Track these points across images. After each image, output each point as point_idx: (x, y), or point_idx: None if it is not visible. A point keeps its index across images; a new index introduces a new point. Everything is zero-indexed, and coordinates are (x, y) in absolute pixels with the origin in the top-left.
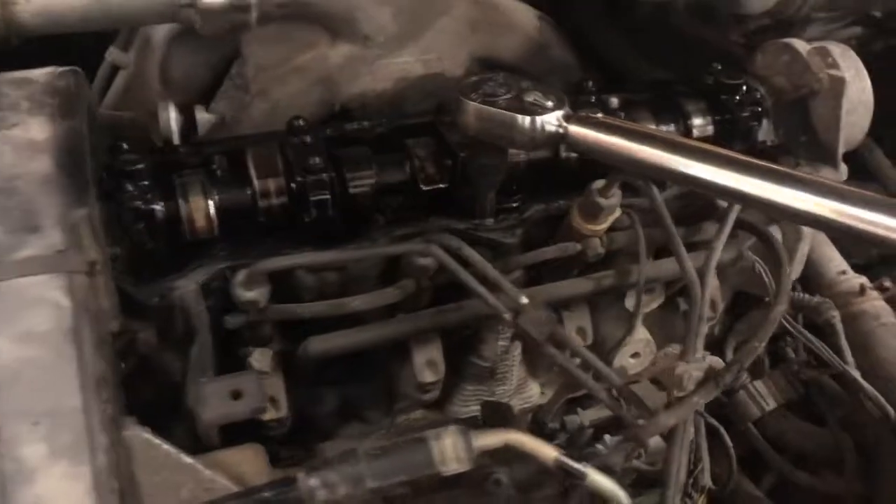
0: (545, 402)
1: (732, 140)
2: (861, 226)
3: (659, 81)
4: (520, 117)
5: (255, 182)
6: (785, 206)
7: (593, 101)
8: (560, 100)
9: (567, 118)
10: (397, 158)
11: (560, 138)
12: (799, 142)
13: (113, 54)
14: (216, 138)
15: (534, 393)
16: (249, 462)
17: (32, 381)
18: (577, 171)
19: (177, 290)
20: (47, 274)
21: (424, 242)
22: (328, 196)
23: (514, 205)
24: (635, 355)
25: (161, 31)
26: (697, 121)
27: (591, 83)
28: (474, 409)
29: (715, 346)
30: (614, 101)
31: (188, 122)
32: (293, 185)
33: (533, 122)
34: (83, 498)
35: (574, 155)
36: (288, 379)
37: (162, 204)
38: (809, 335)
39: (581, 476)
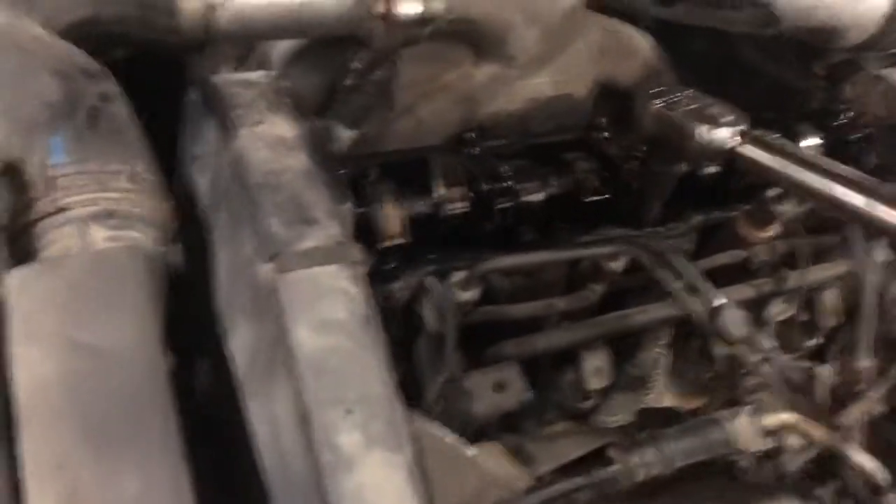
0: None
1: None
2: None
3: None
4: (697, 125)
5: (443, 191)
6: None
7: None
8: (739, 116)
9: (743, 134)
10: (557, 170)
11: (731, 153)
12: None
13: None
14: (360, 155)
15: (665, 403)
16: (502, 457)
17: (339, 370)
18: (714, 186)
19: (399, 291)
20: (334, 264)
21: (627, 245)
22: (512, 203)
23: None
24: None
25: (280, 49)
26: (808, 142)
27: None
28: (619, 419)
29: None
30: None
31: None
32: (475, 193)
33: (707, 134)
34: (403, 486)
35: (715, 170)
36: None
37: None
38: None
39: (846, 456)
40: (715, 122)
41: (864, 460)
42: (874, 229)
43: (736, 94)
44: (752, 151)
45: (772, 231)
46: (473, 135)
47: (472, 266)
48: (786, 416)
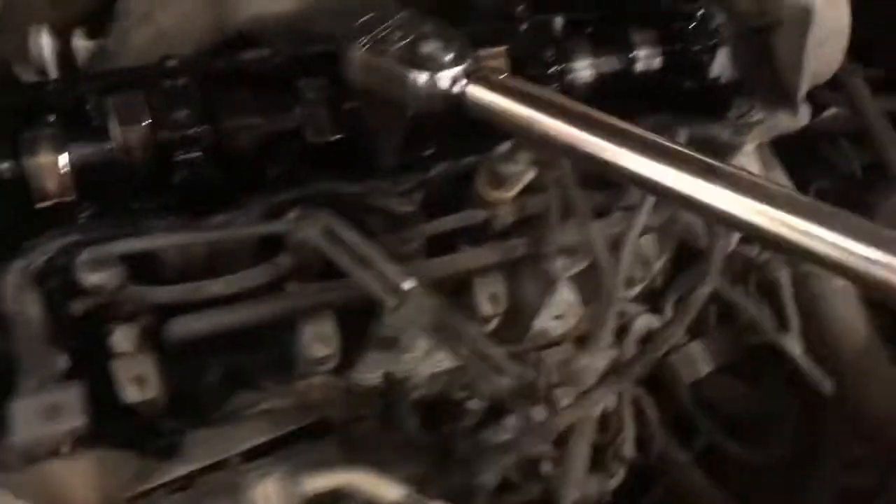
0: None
1: (681, 75)
2: (790, 234)
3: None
4: (412, 73)
5: (117, 134)
6: (704, 204)
7: (523, 29)
8: (462, 52)
9: (466, 76)
10: (283, 103)
11: (456, 100)
12: (758, 77)
13: None
14: (96, 71)
15: (443, 358)
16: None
17: None
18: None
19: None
20: None
21: (294, 221)
22: (198, 155)
23: (427, 153)
24: (558, 317)
25: None
26: (643, 52)
27: (521, 8)
28: (379, 375)
29: (655, 297)
30: (558, 23)
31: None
32: (159, 139)
33: (424, 79)
34: None
35: None
36: (163, 352)
37: (6, 164)
38: (745, 301)
39: None
40: (432, 65)
41: None
42: (624, 180)
43: None
44: (478, 95)
45: (511, 191)
46: (175, 63)
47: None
48: (344, 477)
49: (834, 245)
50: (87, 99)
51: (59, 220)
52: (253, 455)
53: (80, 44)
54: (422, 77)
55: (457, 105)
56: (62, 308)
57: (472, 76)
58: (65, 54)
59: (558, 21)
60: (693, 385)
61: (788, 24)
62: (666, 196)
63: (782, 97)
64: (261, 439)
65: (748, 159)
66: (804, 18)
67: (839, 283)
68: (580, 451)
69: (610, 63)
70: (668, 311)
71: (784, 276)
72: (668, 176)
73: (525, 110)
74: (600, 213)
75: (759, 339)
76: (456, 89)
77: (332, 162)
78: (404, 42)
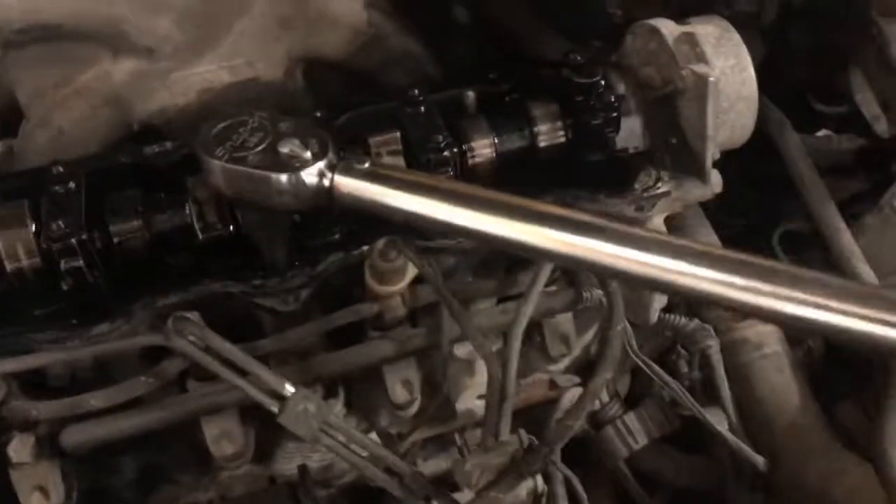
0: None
1: (587, 150)
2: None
3: (522, 68)
4: (274, 176)
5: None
6: (588, 260)
7: (419, 111)
8: (322, 146)
9: (331, 168)
10: (173, 200)
11: (327, 193)
12: (668, 146)
13: None
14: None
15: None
16: None
17: None
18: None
19: None
20: None
21: (168, 333)
22: (80, 263)
23: (318, 243)
24: (482, 397)
25: None
26: (544, 127)
27: (416, 91)
28: (292, 467)
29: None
30: (470, 97)
31: None
32: (42, 248)
33: (289, 180)
34: None
35: None
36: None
37: None
38: (666, 377)
39: None
40: (294, 164)
41: None
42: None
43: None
44: (347, 186)
45: (399, 284)
46: (60, 168)
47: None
48: None
49: (755, 291)
50: None
51: None
52: None
53: None
54: (285, 178)
55: (327, 199)
56: None
57: (336, 168)
58: None
59: (470, 96)
60: (632, 458)
61: (689, 93)
62: (544, 257)
63: (691, 166)
64: None
65: None
66: (703, 87)
67: (770, 349)
68: None
69: (512, 140)
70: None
71: (714, 346)
72: (541, 238)
73: (396, 194)
74: (500, 297)
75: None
76: (324, 183)
77: (226, 260)
78: (262, 145)
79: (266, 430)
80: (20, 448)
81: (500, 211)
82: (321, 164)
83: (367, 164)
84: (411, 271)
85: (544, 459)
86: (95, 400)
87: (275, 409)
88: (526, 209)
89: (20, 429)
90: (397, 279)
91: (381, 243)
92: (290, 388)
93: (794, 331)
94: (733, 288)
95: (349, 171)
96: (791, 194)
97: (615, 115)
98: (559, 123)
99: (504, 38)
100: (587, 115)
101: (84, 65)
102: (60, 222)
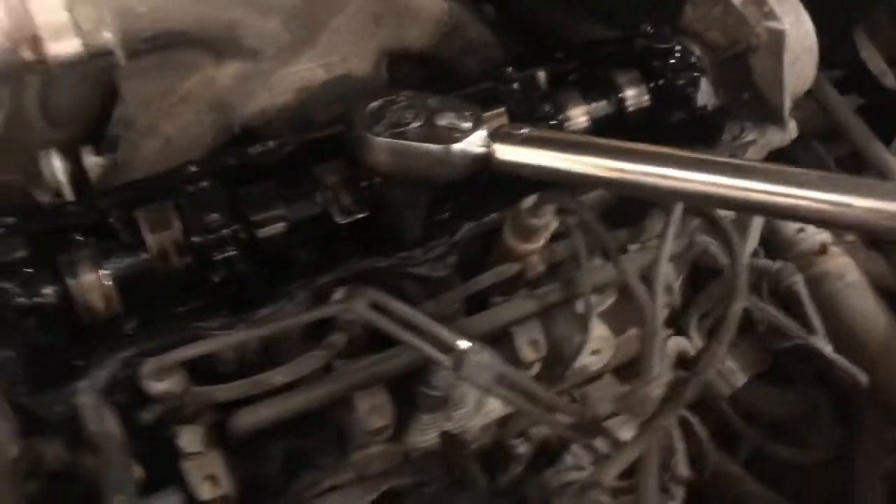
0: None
1: (671, 110)
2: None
3: (589, 46)
4: (438, 148)
5: (151, 244)
6: (730, 197)
7: (516, 87)
8: (476, 116)
9: (490, 137)
10: (307, 189)
11: (485, 161)
12: (742, 101)
13: None
14: (111, 187)
15: (494, 407)
16: None
17: None
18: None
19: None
20: None
21: (348, 300)
22: (234, 252)
23: (445, 216)
24: (595, 352)
25: None
26: (631, 92)
27: (510, 69)
28: (433, 437)
29: (675, 319)
30: (542, 76)
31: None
32: (194, 243)
33: (454, 151)
34: None
35: None
36: (228, 447)
37: (51, 289)
38: (771, 310)
39: None
40: (454, 135)
41: None
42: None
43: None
44: (506, 152)
45: (540, 241)
46: (195, 168)
47: (159, 357)
48: None
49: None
50: (111, 214)
51: (106, 334)
52: None
53: (91, 161)
54: (450, 149)
55: (485, 166)
56: (131, 419)
57: (495, 137)
58: (75, 173)
59: (541, 75)
60: (730, 398)
61: (763, 49)
62: (696, 200)
63: (769, 116)
64: None
65: None
66: (778, 41)
67: (851, 277)
68: (652, 480)
69: (602, 107)
70: (693, 331)
71: (800, 282)
72: (698, 181)
73: (553, 155)
74: (623, 249)
75: (783, 345)
76: (484, 151)
77: (358, 240)
78: (419, 120)
79: (400, 404)
80: (191, 438)
81: (653, 161)
82: (481, 133)
83: (524, 130)
84: (550, 228)
85: (697, 388)
86: (280, 375)
87: (448, 365)
88: (676, 157)
89: (188, 420)
90: (539, 236)
91: (530, 200)
92: (465, 343)
93: None
94: None
95: (508, 138)
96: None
97: (696, 74)
98: (643, 88)
99: (540, 29)
100: (670, 76)
101: (188, 72)
102: (214, 215)
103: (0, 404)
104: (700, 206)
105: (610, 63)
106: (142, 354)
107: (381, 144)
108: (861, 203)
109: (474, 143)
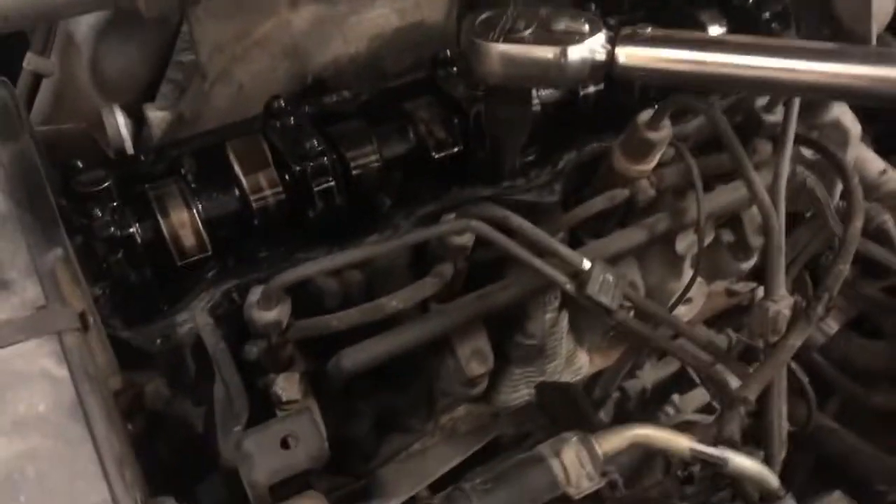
0: (601, 370)
1: None
2: None
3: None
4: (558, 51)
5: (244, 180)
6: (858, 86)
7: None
8: (594, 21)
9: (613, 39)
10: (398, 127)
11: (609, 66)
12: (822, 36)
13: (32, 62)
14: (179, 138)
15: (583, 363)
16: None
17: (41, 480)
18: (593, 109)
19: (182, 327)
20: (32, 339)
21: (462, 218)
22: (332, 182)
23: (530, 158)
24: (687, 301)
25: (84, 26)
26: (715, 30)
27: (593, 6)
28: (525, 394)
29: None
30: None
31: (139, 126)
32: (289, 176)
33: (573, 54)
34: None
35: (591, 90)
36: (319, 400)
37: (140, 225)
38: (872, 245)
39: (722, 462)
40: (574, 39)
41: (746, 465)
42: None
43: None
44: (631, 55)
45: (653, 162)
46: (282, 103)
47: (270, 279)
48: (635, 433)
49: None
50: (183, 162)
51: (194, 278)
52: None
53: (157, 115)
54: (567, 51)
55: (608, 70)
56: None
57: (618, 39)
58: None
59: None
60: (820, 348)
61: None
62: (828, 91)
63: None
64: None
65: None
66: None
67: None
68: (783, 408)
69: None
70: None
71: (889, 220)
72: (828, 71)
73: (679, 54)
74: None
75: (873, 289)
76: (605, 55)
77: (452, 174)
78: (533, 27)
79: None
80: (288, 385)
81: (784, 54)
82: (602, 35)
83: (649, 30)
84: (665, 144)
85: (826, 305)
86: (395, 301)
87: (570, 287)
88: (796, 48)
89: (282, 367)
90: (653, 155)
91: (647, 114)
92: (587, 263)
93: None
94: None
95: (633, 39)
96: None
97: (780, 9)
98: (726, 25)
99: None
100: (755, 12)
101: (263, 15)
102: (314, 141)
103: (101, 335)
104: (838, 97)
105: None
106: (242, 286)
107: (497, 50)
108: None
109: (594, 45)
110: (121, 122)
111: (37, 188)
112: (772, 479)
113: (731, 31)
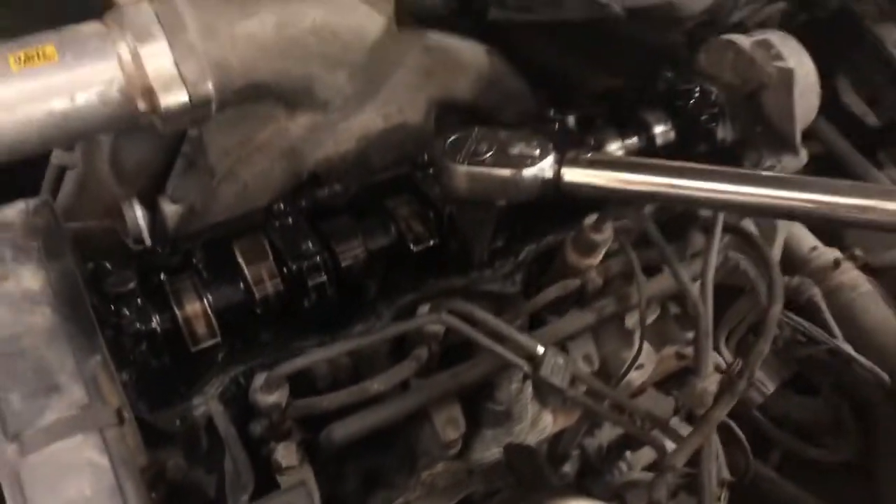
0: (563, 429)
1: (695, 143)
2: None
3: (611, 92)
4: (513, 172)
5: (247, 274)
6: (773, 205)
7: (556, 128)
8: (544, 144)
9: (559, 162)
10: (381, 222)
11: (554, 183)
12: (755, 133)
13: (58, 156)
14: (191, 231)
15: (548, 423)
16: None
17: None
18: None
19: (198, 409)
20: (78, 434)
21: (434, 313)
22: (325, 278)
23: (500, 245)
24: (638, 367)
25: None
26: (659, 129)
27: (552, 111)
28: (496, 452)
29: None
30: (571, 121)
31: (153, 213)
32: (286, 271)
33: (526, 174)
34: None
35: None
36: (313, 465)
37: (160, 317)
38: (797, 318)
39: None
40: (526, 161)
41: None
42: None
43: (617, 66)
44: (574, 175)
45: (599, 256)
46: (282, 205)
47: (272, 369)
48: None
49: None
50: (206, 250)
51: (207, 359)
52: None
53: (170, 209)
54: (522, 172)
55: (555, 189)
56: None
57: (563, 161)
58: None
59: (571, 119)
60: (759, 406)
61: (774, 86)
62: (745, 211)
63: (783, 145)
64: None
65: None
66: (788, 79)
67: (864, 288)
68: (712, 466)
69: (634, 143)
70: (722, 347)
71: (818, 294)
72: (751, 193)
73: (614, 175)
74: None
75: (810, 351)
76: (553, 175)
77: (428, 264)
78: (493, 150)
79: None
80: (287, 454)
81: (707, 177)
82: (551, 159)
83: (590, 155)
84: (608, 244)
85: (749, 380)
86: (377, 384)
87: (526, 368)
88: (729, 174)
89: (283, 437)
90: (599, 251)
91: (592, 219)
92: (541, 348)
93: None
94: None
95: (576, 162)
96: None
97: (717, 110)
98: (669, 125)
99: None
100: (695, 113)
101: (264, 123)
102: (308, 243)
103: (132, 423)
104: (747, 214)
105: (635, 104)
106: (247, 373)
107: (463, 171)
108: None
109: (544, 167)
110: (139, 215)
111: (78, 301)
112: None
113: (674, 128)
